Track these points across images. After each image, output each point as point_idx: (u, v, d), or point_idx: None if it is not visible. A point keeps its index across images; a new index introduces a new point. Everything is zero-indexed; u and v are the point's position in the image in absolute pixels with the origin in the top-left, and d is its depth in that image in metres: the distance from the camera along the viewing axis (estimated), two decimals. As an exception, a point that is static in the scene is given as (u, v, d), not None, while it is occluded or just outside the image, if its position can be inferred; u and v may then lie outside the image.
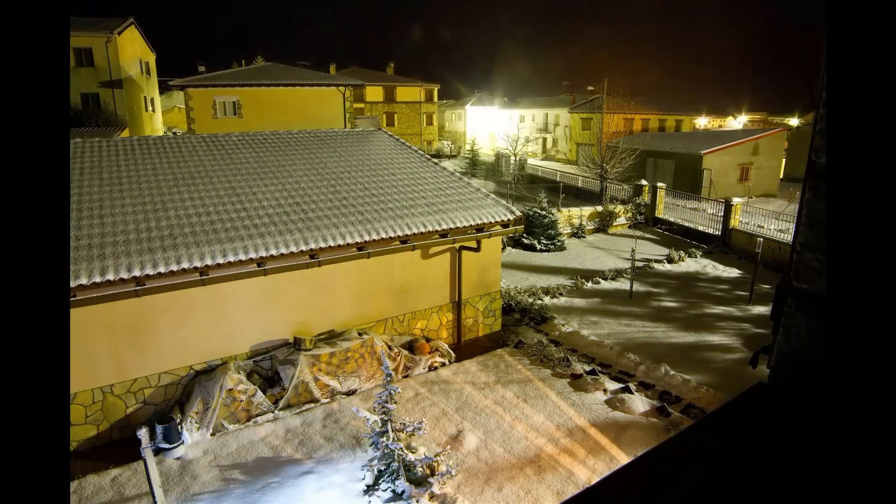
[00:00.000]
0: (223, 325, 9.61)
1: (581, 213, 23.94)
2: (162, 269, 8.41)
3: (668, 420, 9.30)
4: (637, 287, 15.98)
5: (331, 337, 10.63)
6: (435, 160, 14.75)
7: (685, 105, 59.04)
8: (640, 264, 18.35)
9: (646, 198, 25.06)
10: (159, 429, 8.38)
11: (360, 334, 10.67)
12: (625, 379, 10.84)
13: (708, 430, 1.98)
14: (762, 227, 21.64)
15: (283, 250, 9.38)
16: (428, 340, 11.74)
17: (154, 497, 6.56)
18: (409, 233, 10.64)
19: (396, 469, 7.44)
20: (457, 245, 11.90)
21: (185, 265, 8.59)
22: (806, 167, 1.98)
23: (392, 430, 7.56)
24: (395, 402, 7.69)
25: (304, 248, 9.56)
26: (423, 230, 10.82)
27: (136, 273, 8.25)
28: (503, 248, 19.72)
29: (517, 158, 41.65)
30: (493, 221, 11.83)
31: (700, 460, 1.80)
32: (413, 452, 7.74)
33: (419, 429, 7.83)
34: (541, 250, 20.40)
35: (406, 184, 12.76)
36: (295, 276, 10.07)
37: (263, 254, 9.20)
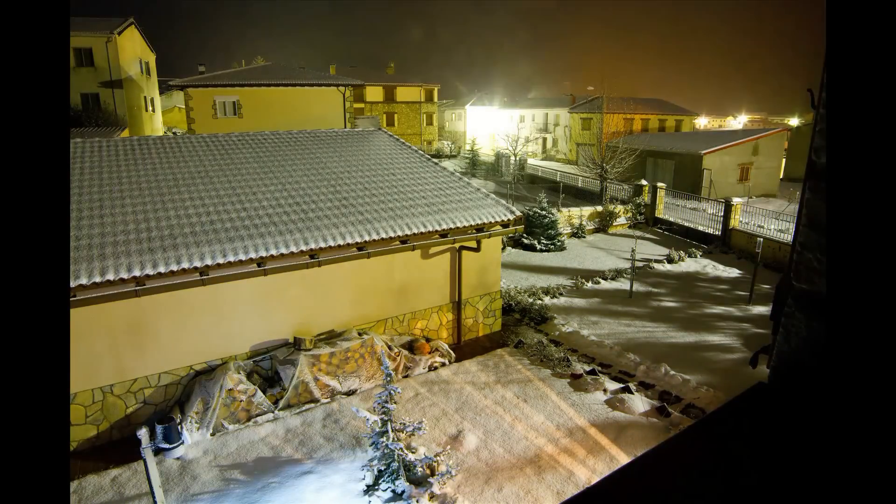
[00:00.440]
0: (223, 325, 9.61)
1: (581, 213, 23.94)
2: (162, 269, 8.41)
3: (668, 420, 9.30)
4: (637, 287, 15.98)
5: (331, 337, 10.63)
6: (435, 160, 14.75)
7: (685, 105, 59.06)
8: (640, 264, 18.35)
9: (646, 198, 25.06)
10: (159, 429, 8.38)
11: (360, 334, 10.67)
12: (625, 379, 10.84)
13: (708, 430, 1.98)
14: (762, 227, 21.64)
15: (283, 250, 9.38)
16: (428, 340, 11.74)
17: (154, 497, 6.56)
18: (409, 233, 10.64)
19: (396, 469, 7.44)
20: (457, 245, 11.90)
21: (185, 265, 8.59)
22: (806, 167, 1.98)
23: (392, 430, 7.55)
24: (395, 402, 7.69)
25: (304, 248, 9.56)
26: (423, 230, 10.82)
27: (136, 273, 8.25)
28: (503, 248, 19.72)
29: (517, 158, 41.65)
30: (493, 221, 11.83)
31: (700, 460, 1.80)
32: (413, 452, 7.74)
33: (419, 429, 7.83)
34: (541, 250, 20.40)
35: (406, 184, 12.76)
36: (295, 276, 10.06)
37: (263, 254, 9.20)
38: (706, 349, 12.16)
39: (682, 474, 1.73)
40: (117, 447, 8.69)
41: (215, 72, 32.66)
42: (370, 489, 7.50)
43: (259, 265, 9.25)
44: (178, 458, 8.36)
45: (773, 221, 21.52)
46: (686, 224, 23.39)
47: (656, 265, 18.72)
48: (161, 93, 46.55)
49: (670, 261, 19.09)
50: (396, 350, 10.98)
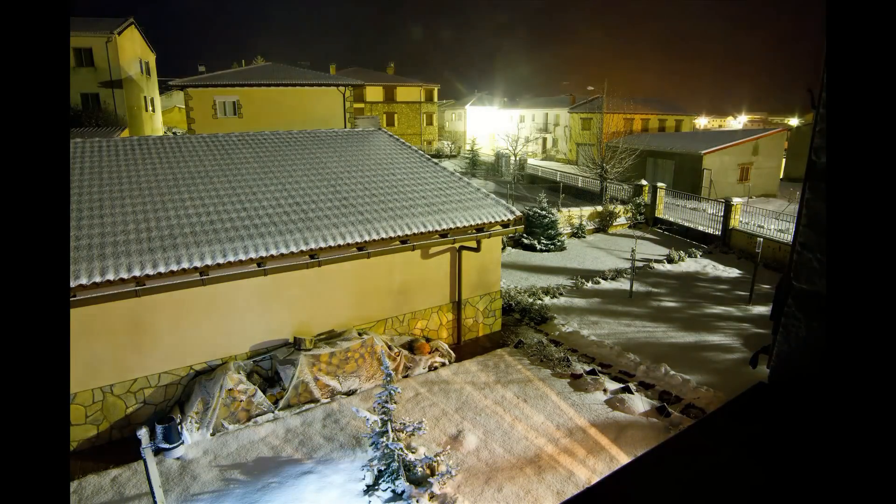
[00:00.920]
0: (223, 325, 9.61)
1: (581, 213, 23.93)
2: (162, 269, 8.41)
3: (668, 420, 9.30)
4: (637, 287, 15.98)
5: (331, 337, 10.63)
6: (435, 160, 14.75)
7: (685, 105, 59.07)
8: (640, 264, 18.35)
9: (646, 198, 25.06)
10: (159, 429, 8.38)
11: (360, 334, 10.67)
12: (625, 379, 10.84)
13: (708, 430, 1.98)
14: (762, 227, 21.64)
15: (283, 250, 9.38)
16: (428, 340, 11.74)
17: (154, 497, 6.56)
18: (409, 233, 10.64)
19: (396, 469, 7.44)
20: (457, 245, 11.90)
21: (185, 265, 8.59)
22: (806, 167, 1.98)
23: (392, 430, 7.55)
24: (395, 402, 7.69)
25: (304, 248, 9.56)
26: (423, 230, 10.82)
27: (136, 273, 8.25)
28: (503, 248, 19.72)
29: (517, 158, 41.66)
30: (493, 221, 11.83)
31: (700, 460, 1.80)
32: (413, 452, 7.74)
33: (419, 429, 7.83)
34: (541, 250, 20.40)
35: (406, 184, 12.76)
36: (295, 276, 10.06)
37: (263, 254, 9.20)
38: (706, 349, 12.16)
39: (682, 474, 1.73)
40: (117, 447, 8.69)
41: (215, 72, 32.65)
42: (370, 489, 7.50)
43: (259, 265, 9.25)
44: (178, 458, 8.36)
45: (773, 221, 21.52)
46: (686, 224, 23.39)
47: (656, 265, 18.72)
48: (161, 93, 46.54)
49: (670, 261, 19.09)
50: (396, 350, 10.98)
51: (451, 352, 11.69)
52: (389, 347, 10.93)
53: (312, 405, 9.74)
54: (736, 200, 21.17)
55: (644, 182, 25.42)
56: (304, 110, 29.91)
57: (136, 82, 35.16)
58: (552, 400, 9.97)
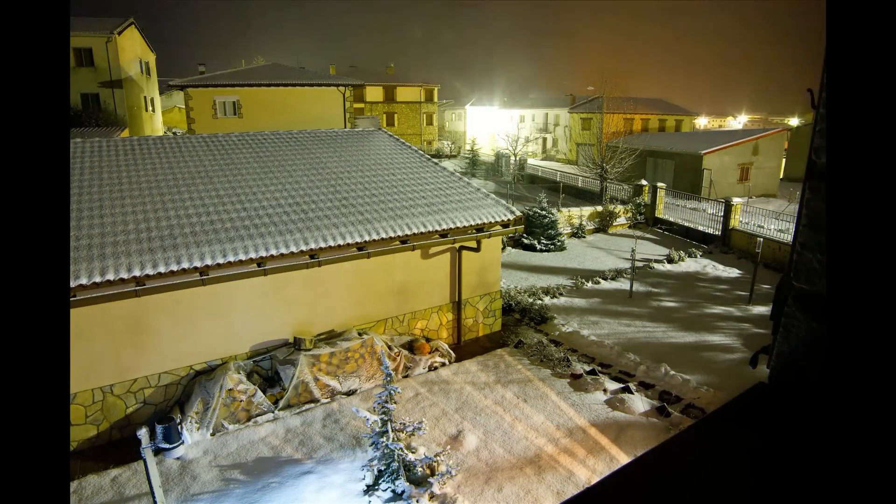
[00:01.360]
0: (223, 325, 9.61)
1: (581, 213, 23.93)
2: (162, 269, 8.41)
3: (668, 420, 9.30)
4: (637, 287, 15.98)
5: (331, 337, 10.63)
6: (435, 160, 14.75)
7: (685, 105, 59.08)
8: (640, 264, 18.35)
9: (646, 198, 25.06)
10: (159, 429, 8.38)
11: (360, 334, 10.67)
12: (625, 379, 10.84)
13: (708, 430, 1.98)
14: (762, 227, 21.64)
15: (283, 250, 9.38)
16: (428, 340, 11.73)
17: (154, 497, 6.56)
18: (409, 233, 10.63)
19: (396, 469, 7.44)
20: (457, 245, 11.90)
21: (185, 265, 8.59)
22: (806, 167, 1.98)
23: (392, 430, 7.55)
24: (395, 402, 7.68)
25: (304, 248, 9.56)
26: (423, 230, 10.82)
27: (136, 273, 8.24)
28: (503, 248, 19.72)
29: (517, 158, 41.66)
30: (493, 221, 11.83)
31: (700, 460, 1.80)
32: (413, 452, 7.74)
33: (419, 429, 7.83)
34: (541, 250, 20.40)
35: (406, 184, 12.75)
36: (295, 276, 10.06)
37: (263, 254, 9.20)
38: (706, 349, 12.16)
39: (682, 474, 1.73)
40: (117, 447, 8.68)
41: (215, 72, 32.65)
42: (370, 489, 7.50)
43: (259, 265, 9.25)
44: (178, 458, 8.36)
45: (773, 221, 21.52)
46: (686, 224, 23.39)
47: (656, 265, 18.72)
48: (161, 93, 46.55)
49: (670, 261, 19.09)
50: (396, 350, 10.98)
51: (451, 352, 11.68)
52: (389, 347, 10.93)
53: (312, 405, 9.74)
54: (736, 200, 21.16)
55: (644, 182, 25.42)
56: (304, 110, 29.91)
57: (136, 82, 35.16)
58: (552, 400, 9.97)
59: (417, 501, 7.18)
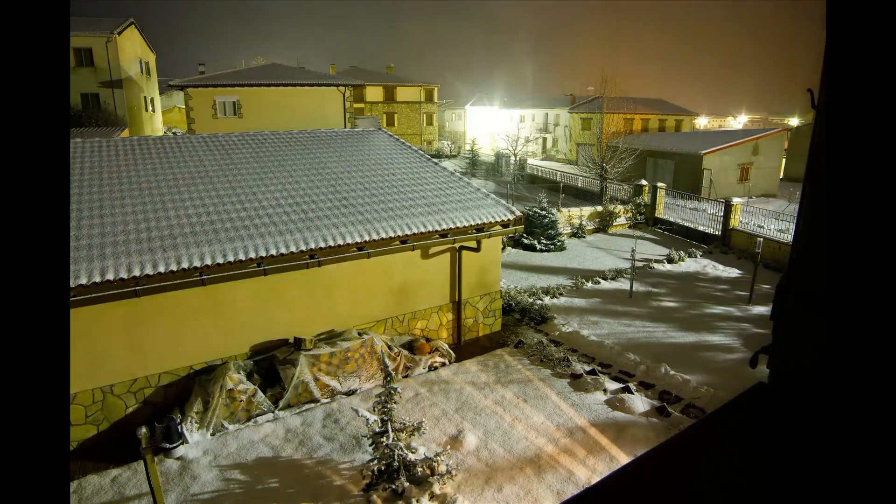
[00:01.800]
0: (223, 325, 9.61)
1: (581, 213, 23.94)
2: (162, 270, 8.41)
3: (668, 420, 9.31)
4: (637, 287, 15.98)
5: (331, 337, 10.63)
6: (435, 160, 14.75)
7: (685, 105, 59.10)
8: (640, 264, 18.35)
9: (646, 198, 25.07)
10: (159, 429, 8.38)
11: (360, 334, 10.67)
12: (625, 379, 10.84)
13: (708, 430, 1.98)
14: (762, 227, 21.65)
15: (283, 250, 9.38)
16: (428, 340, 11.74)
17: (154, 497, 6.57)
18: (409, 233, 10.64)
19: (396, 469, 7.44)
20: (457, 245, 11.90)
21: (185, 265, 8.59)
22: (806, 167, 1.98)
23: (392, 430, 7.56)
24: (395, 402, 7.68)
25: (304, 248, 9.56)
26: (423, 230, 10.82)
27: (136, 273, 8.24)
28: (503, 248, 19.72)
29: (517, 158, 41.67)
30: (493, 221, 11.83)
31: (700, 460, 1.80)
32: (413, 452, 7.74)
33: (419, 429, 7.83)
34: (541, 250, 20.40)
35: (406, 184, 12.76)
36: (295, 276, 10.07)
37: (263, 254, 9.20)
38: (706, 349, 12.16)
39: (682, 474, 1.73)
40: (117, 447, 8.68)
41: (215, 72, 32.66)
42: (370, 489, 7.50)
43: (259, 265, 9.25)
44: (178, 458, 8.36)
45: (773, 221, 21.52)
46: (686, 224, 23.39)
47: (656, 265, 18.72)
48: (161, 93, 46.56)
49: (670, 261, 19.09)
50: (396, 350, 10.98)
51: (451, 352, 11.69)
52: (389, 347, 10.93)
53: (312, 405, 9.74)
54: (736, 200, 21.17)
55: (644, 182, 25.43)
56: (304, 110, 29.91)
57: (136, 82, 35.16)
58: (552, 400, 9.97)
59: (417, 501, 7.18)
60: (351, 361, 10.23)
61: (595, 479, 7.99)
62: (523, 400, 9.97)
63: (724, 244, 20.92)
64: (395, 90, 54.32)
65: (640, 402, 9.73)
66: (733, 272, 18.10)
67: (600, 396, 10.06)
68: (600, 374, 10.84)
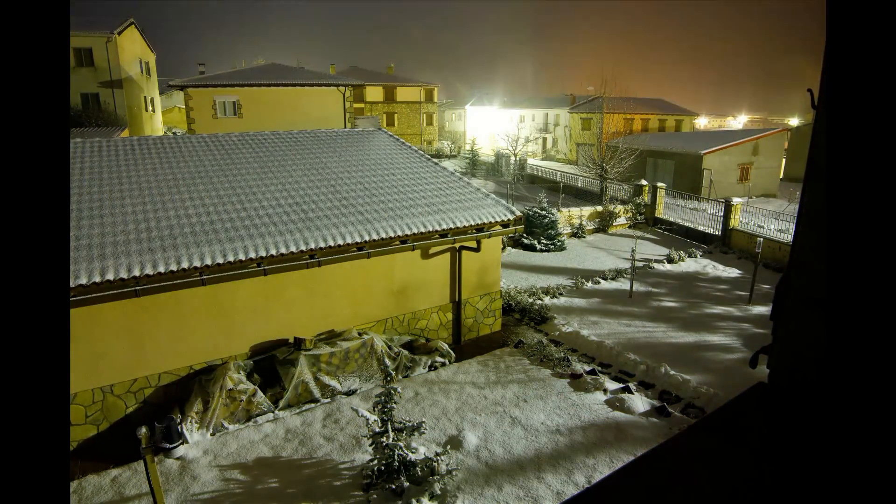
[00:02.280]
0: (223, 325, 9.61)
1: (581, 213, 23.94)
2: (162, 269, 8.41)
3: (668, 420, 9.31)
4: (637, 287, 15.98)
5: (331, 337, 10.63)
6: (435, 160, 14.75)
7: (685, 105, 59.12)
8: (640, 264, 18.35)
9: (646, 198, 25.07)
10: (159, 429, 8.38)
11: (360, 334, 10.67)
12: (625, 379, 10.84)
13: (708, 430, 1.98)
14: (762, 227, 21.65)
15: (283, 250, 9.38)
16: (428, 340, 11.74)
17: (154, 497, 6.56)
18: (409, 233, 10.64)
19: (396, 469, 7.44)
20: (457, 245, 11.90)
21: (185, 265, 8.59)
22: (806, 167, 1.98)
23: (392, 430, 7.56)
24: (395, 402, 7.69)
25: (304, 248, 9.56)
26: (423, 230, 10.82)
27: (136, 273, 8.24)
28: (503, 248, 19.72)
29: (517, 158, 41.67)
30: (493, 221, 11.83)
31: (700, 460, 1.80)
32: (413, 452, 7.74)
33: (419, 429, 7.83)
34: (541, 250, 20.40)
35: (406, 184, 12.76)
36: (295, 276, 10.07)
37: (263, 254, 9.20)
38: (706, 349, 12.16)
39: (682, 474, 1.73)
40: (117, 447, 8.68)
41: (215, 72, 32.66)
42: (370, 489, 7.50)
43: (259, 265, 9.25)
44: (178, 458, 8.36)
45: (773, 221, 21.52)
46: (686, 224, 23.39)
47: (656, 265, 18.72)
48: (161, 93, 46.57)
49: (670, 261, 19.10)
50: (396, 350, 10.98)
51: (451, 352, 11.68)
52: (389, 347, 10.93)
53: (312, 405, 9.74)
54: (736, 200, 21.17)
55: (644, 182, 25.43)
56: (304, 110, 29.92)
57: (136, 82, 35.16)
58: (552, 400, 9.97)
59: (417, 501, 7.18)
60: (351, 361, 10.23)
61: (595, 479, 7.99)
62: (523, 400, 9.98)
63: (724, 244, 20.92)
64: (395, 90, 54.32)
65: (640, 402, 9.73)
66: (733, 272, 18.10)
67: (600, 396, 10.06)
68: (600, 374, 10.84)
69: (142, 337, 8.94)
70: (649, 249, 20.80)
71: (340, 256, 10.04)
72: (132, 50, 35.01)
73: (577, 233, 22.78)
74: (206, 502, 7.48)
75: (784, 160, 39.93)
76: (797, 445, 1.80)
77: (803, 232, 2.01)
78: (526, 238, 20.56)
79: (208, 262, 8.77)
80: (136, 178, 11.17)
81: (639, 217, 24.79)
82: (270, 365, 10.01)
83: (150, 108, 39.00)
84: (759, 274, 15.62)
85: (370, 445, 7.69)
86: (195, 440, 8.72)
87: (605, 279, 17.03)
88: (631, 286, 15.69)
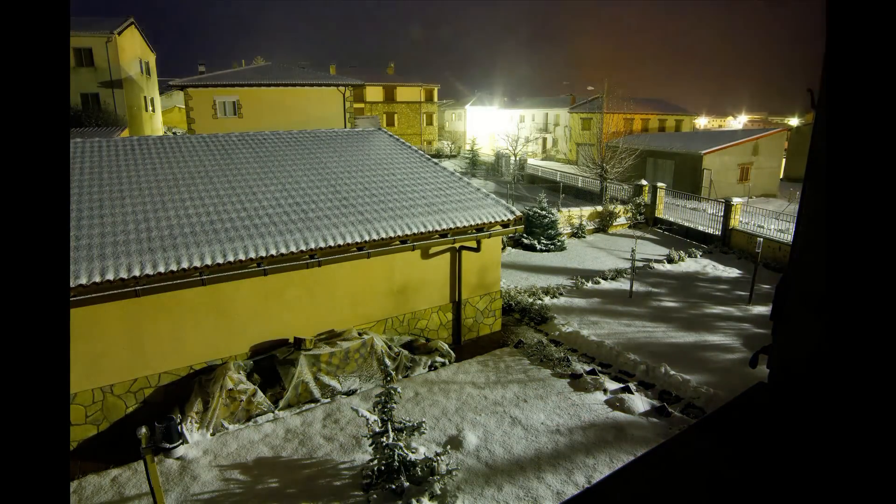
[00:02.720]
0: (223, 325, 9.61)
1: (581, 213, 23.94)
2: (162, 269, 8.41)
3: (668, 420, 9.31)
4: (637, 287, 15.98)
5: (331, 337, 10.63)
6: (435, 160, 14.75)
7: (685, 105, 59.14)
8: (640, 264, 18.35)
9: (646, 198, 25.07)
10: (159, 429, 8.38)
11: (360, 334, 10.67)
12: (625, 379, 10.84)
13: (708, 430, 1.98)
14: (762, 227, 21.65)
15: (283, 250, 9.38)
16: (428, 340, 11.74)
17: (154, 497, 6.56)
18: (409, 233, 10.64)
19: (396, 469, 7.44)
20: (457, 245, 11.90)
21: (185, 265, 8.59)
22: (806, 167, 1.98)
23: (392, 430, 7.56)
24: (395, 402, 7.68)
25: (304, 248, 9.56)
26: (423, 230, 10.82)
27: (136, 273, 8.24)
28: (503, 248, 19.72)
29: (517, 158, 41.67)
30: (493, 221, 11.83)
31: (700, 460, 1.80)
32: (413, 452, 7.74)
33: (419, 429, 7.83)
34: (541, 250, 20.40)
35: (406, 184, 12.76)
36: (295, 276, 10.07)
37: (263, 254, 9.20)
38: (706, 349, 12.16)
39: (682, 474, 1.73)
40: (117, 447, 8.68)
41: (215, 72, 32.66)
42: (370, 489, 7.50)
43: (259, 265, 9.25)
44: (178, 458, 8.36)
45: (773, 221, 21.52)
46: (686, 224, 23.39)
47: (656, 265, 18.72)
48: (161, 93, 46.57)
49: (670, 261, 19.09)
50: (396, 350, 10.98)
51: (451, 352, 11.68)
52: (389, 347, 10.93)
53: (312, 405, 9.74)
54: (736, 200, 21.17)
55: (644, 182, 25.42)
56: (304, 110, 29.91)
57: (136, 82, 35.16)
58: (552, 400, 9.97)
59: (417, 501, 7.18)
60: (351, 361, 10.23)
61: (595, 479, 7.99)
62: (523, 400, 9.98)
63: (724, 244, 20.92)
64: (395, 90, 54.32)
65: (640, 402, 9.73)
66: (733, 272, 18.10)
67: (600, 396, 10.06)
68: (600, 374, 10.84)
69: (142, 337, 8.94)
70: (649, 249, 20.80)
71: (340, 256, 10.04)
72: (132, 50, 35.01)
73: (577, 233, 22.78)
74: (206, 502, 7.48)
75: (784, 160, 39.93)
76: (797, 445, 1.80)
77: (803, 232, 2.01)
78: (526, 238, 20.55)
79: (208, 262, 8.77)
80: (135, 178, 11.17)
81: (639, 217, 24.79)
82: (270, 365, 10.01)
83: (150, 108, 39.00)
84: (759, 274, 15.62)
85: (370, 445, 7.69)
86: (195, 440, 8.72)
87: (605, 279, 17.03)
88: (631, 286, 15.69)
